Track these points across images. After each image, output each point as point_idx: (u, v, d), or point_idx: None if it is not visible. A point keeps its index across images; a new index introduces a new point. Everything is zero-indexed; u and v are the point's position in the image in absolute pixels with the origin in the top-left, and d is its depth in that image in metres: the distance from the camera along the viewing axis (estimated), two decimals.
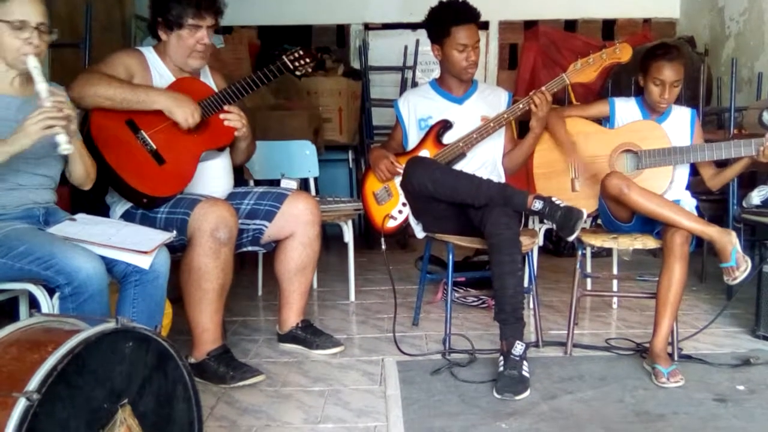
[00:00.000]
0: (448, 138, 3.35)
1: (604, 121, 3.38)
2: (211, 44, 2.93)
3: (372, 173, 3.47)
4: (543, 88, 3.20)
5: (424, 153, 3.34)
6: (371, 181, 3.48)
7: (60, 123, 2.18)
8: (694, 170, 3.31)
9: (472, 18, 3.31)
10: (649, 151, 3.15)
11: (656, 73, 3.11)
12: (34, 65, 2.26)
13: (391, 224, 3.40)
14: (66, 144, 2.21)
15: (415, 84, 6.34)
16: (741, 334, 3.32)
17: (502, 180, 3.38)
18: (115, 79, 2.72)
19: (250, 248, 3.10)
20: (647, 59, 3.16)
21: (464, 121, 3.36)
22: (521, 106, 3.23)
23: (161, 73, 2.91)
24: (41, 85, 2.23)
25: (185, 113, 2.73)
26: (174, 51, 2.89)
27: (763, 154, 2.93)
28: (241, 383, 2.71)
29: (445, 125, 3.37)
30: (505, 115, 3.26)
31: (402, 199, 3.35)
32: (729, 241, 2.74)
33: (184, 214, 2.69)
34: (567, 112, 3.44)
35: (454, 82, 3.44)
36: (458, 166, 3.26)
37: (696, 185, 3.42)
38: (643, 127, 3.23)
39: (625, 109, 3.31)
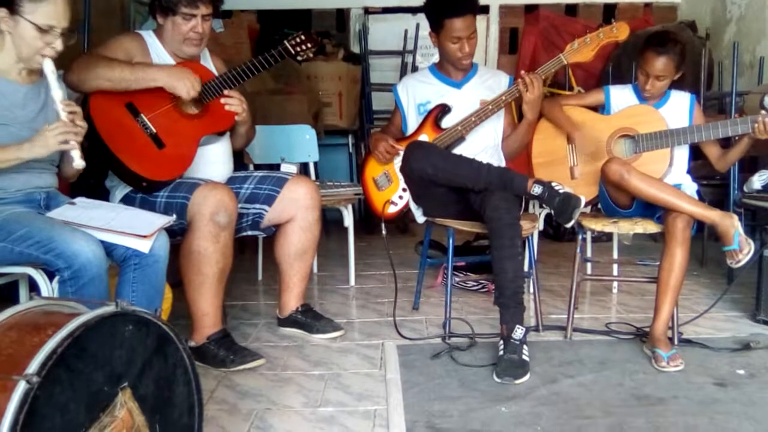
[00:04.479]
0: (447, 122, 3.34)
1: (600, 109, 3.38)
2: (207, 32, 2.91)
3: (372, 159, 3.46)
4: (531, 72, 3.18)
5: (423, 137, 3.33)
6: (371, 167, 3.47)
7: (76, 138, 2.26)
8: (695, 154, 3.31)
9: (467, 9, 3.24)
10: (645, 134, 3.14)
11: (644, 63, 3.13)
12: (51, 69, 2.31)
13: (392, 210, 3.41)
14: (79, 159, 2.29)
15: (415, 68, 6.31)
16: (741, 319, 3.33)
17: (503, 164, 3.37)
18: (114, 60, 2.71)
19: (249, 232, 3.10)
20: (643, 46, 3.15)
21: (464, 105, 3.34)
22: (518, 88, 3.20)
23: (161, 57, 2.90)
24: (57, 92, 2.30)
25: (186, 86, 2.72)
26: (169, 36, 2.89)
27: (758, 130, 2.93)
28: (241, 367, 2.71)
29: (443, 109, 3.36)
30: (503, 98, 3.24)
31: (402, 184, 3.35)
32: (731, 225, 2.75)
33: (183, 198, 2.69)
34: (564, 101, 3.45)
35: (453, 67, 3.43)
36: (458, 150, 3.26)
37: (697, 170, 3.42)
38: (639, 111, 3.23)
39: (620, 96, 3.32)
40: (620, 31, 3.16)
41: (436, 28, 3.30)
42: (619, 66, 5.69)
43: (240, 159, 3.74)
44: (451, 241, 3.18)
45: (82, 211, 2.37)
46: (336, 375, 2.69)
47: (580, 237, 3.14)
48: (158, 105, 2.76)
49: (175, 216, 2.56)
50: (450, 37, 3.26)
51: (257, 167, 3.97)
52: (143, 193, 2.78)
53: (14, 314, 1.55)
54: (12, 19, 2.27)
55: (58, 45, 2.31)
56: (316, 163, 4.40)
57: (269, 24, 6.50)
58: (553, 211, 2.85)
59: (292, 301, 3.17)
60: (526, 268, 3.32)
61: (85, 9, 4.12)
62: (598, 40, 3.17)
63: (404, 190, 3.36)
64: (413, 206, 3.37)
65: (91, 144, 2.65)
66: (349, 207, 3.96)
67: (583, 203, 2.80)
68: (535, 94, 3.14)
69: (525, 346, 2.72)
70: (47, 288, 2.21)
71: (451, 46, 3.28)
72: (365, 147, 5.99)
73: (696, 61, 4.88)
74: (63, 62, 2.65)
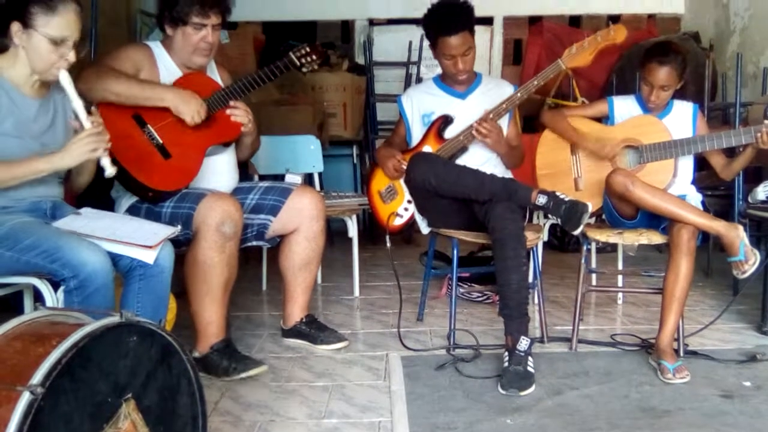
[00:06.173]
0: (450, 133, 3.34)
1: (604, 120, 3.38)
2: (216, 42, 2.92)
3: (377, 172, 3.47)
4: (482, 119, 3.20)
5: (426, 149, 3.33)
6: (376, 180, 3.48)
7: (104, 145, 2.27)
8: (700, 165, 3.30)
9: (460, 27, 3.21)
10: (649, 145, 3.14)
11: (647, 74, 3.13)
12: (68, 81, 2.31)
13: (398, 222, 3.41)
14: (110, 167, 2.31)
15: (419, 79, 6.33)
16: (747, 330, 3.31)
17: (507, 175, 3.36)
18: (123, 74, 2.72)
19: (254, 243, 3.10)
20: (645, 57, 3.16)
21: (468, 115, 3.34)
22: (515, 101, 3.24)
23: (168, 68, 2.91)
24: (78, 102, 2.30)
25: (192, 111, 2.74)
26: (179, 47, 2.89)
27: (761, 140, 2.93)
28: (244, 374, 2.71)
29: (446, 120, 3.36)
30: (504, 105, 3.24)
31: (407, 196, 3.35)
32: (737, 236, 2.74)
33: (189, 208, 2.69)
34: (568, 113, 3.45)
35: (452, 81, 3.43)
36: (461, 161, 3.26)
37: (701, 180, 3.41)
38: (643, 122, 3.23)
39: (624, 106, 3.32)
40: (618, 34, 3.16)
41: (432, 44, 3.32)
42: (622, 77, 5.68)
43: (245, 169, 3.75)
44: (455, 252, 3.18)
45: (88, 221, 2.37)
46: (340, 386, 2.69)
47: (584, 248, 3.13)
48: (165, 116, 2.76)
49: (180, 226, 2.56)
50: (444, 54, 3.27)
51: (262, 178, 3.97)
52: (149, 203, 2.78)
53: (19, 324, 1.55)
54: (25, 33, 2.27)
55: (72, 56, 2.32)
56: (320, 174, 4.41)
57: (274, 35, 6.52)
58: (559, 220, 2.83)
59: (296, 312, 3.17)
60: (530, 278, 3.32)
61: (92, 19, 4.14)
62: (596, 43, 3.17)
63: (409, 202, 3.36)
64: (418, 217, 3.37)
65: None
66: (354, 217, 3.95)
67: (590, 209, 2.79)
68: (494, 138, 3.19)
69: (530, 358, 2.71)
70: (52, 298, 2.20)
71: (446, 62, 3.30)
72: (370, 158, 6.00)
73: (699, 72, 4.88)
74: (72, 71, 2.67)
